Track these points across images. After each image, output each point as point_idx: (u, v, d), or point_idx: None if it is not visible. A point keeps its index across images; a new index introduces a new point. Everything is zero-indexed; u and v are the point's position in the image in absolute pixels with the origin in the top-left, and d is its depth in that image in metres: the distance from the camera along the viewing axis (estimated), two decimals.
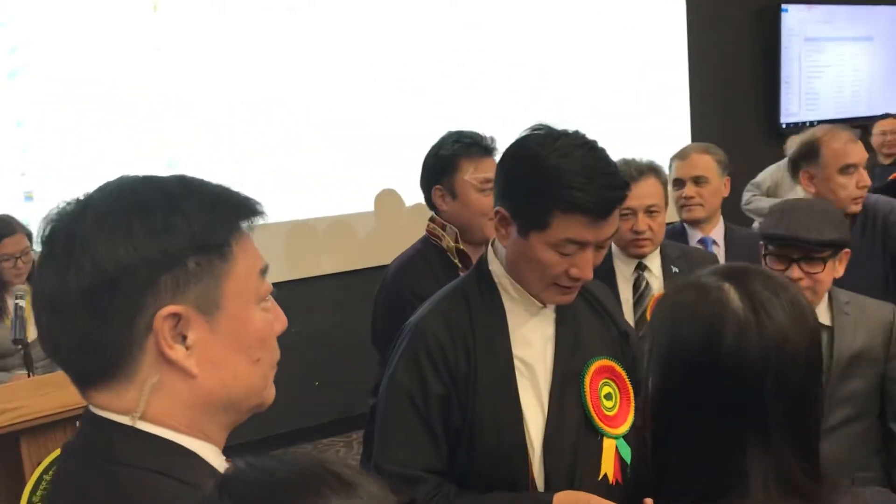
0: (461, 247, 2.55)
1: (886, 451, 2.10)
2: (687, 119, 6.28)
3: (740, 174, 5.42)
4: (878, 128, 5.76)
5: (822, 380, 1.11)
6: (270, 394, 1.02)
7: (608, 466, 1.67)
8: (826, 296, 2.11)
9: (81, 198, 0.93)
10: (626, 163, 2.50)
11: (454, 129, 2.67)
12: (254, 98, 4.65)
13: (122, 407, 0.90)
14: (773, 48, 6.81)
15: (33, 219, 3.69)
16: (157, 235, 0.89)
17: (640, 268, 2.51)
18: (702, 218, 2.90)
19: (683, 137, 6.12)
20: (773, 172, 5.46)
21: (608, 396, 1.70)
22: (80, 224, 0.89)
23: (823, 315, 2.08)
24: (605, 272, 2.52)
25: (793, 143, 3.49)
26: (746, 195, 5.40)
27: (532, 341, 1.68)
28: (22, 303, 2.58)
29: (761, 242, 2.13)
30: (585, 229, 1.54)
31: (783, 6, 6.76)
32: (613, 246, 2.57)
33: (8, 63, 4.07)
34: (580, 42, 5.75)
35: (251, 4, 4.64)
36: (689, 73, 6.30)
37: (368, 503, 0.66)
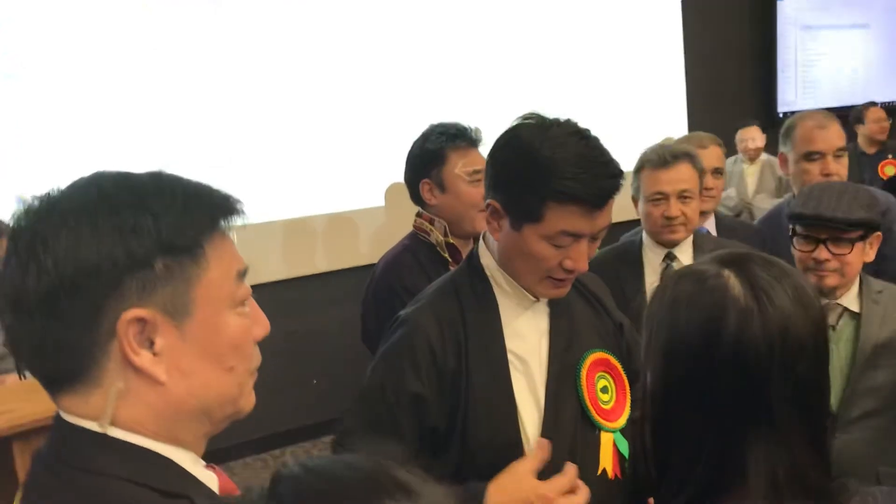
0: (451, 241, 2.51)
1: None
2: (683, 108, 6.25)
3: None
4: (873, 115, 5.78)
5: (828, 369, 1.07)
6: (248, 402, 0.98)
7: (607, 461, 1.65)
8: (857, 282, 2.05)
9: (52, 194, 0.89)
10: (662, 147, 2.48)
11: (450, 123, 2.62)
12: (248, 96, 4.62)
13: (89, 412, 0.87)
14: (769, 36, 6.79)
15: None
16: (122, 236, 0.85)
17: (670, 257, 2.46)
18: (710, 210, 2.87)
19: (680, 126, 6.10)
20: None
21: (604, 390, 1.67)
22: (45, 222, 0.86)
23: (853, 302, 2.04)
24: (633, 261, 2.49)
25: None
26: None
27: (526, 335, 1.65)
28: None
29: (789, 224, 2.09)
30: (580, 220, 1.51)
31: None
32: (644, 235, 2.53)
33: (1, 65, 4.06)
34: (575, 32, 5.72)
35: (244, 2, 4.61)
36: (685, 62, 6.27)
37: None
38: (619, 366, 1.70)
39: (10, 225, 0.89)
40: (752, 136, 5.89)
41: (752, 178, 5.82)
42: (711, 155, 2.88)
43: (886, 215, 2.63)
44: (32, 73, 4.11)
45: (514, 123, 1.60)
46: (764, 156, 5.82)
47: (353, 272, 4.82)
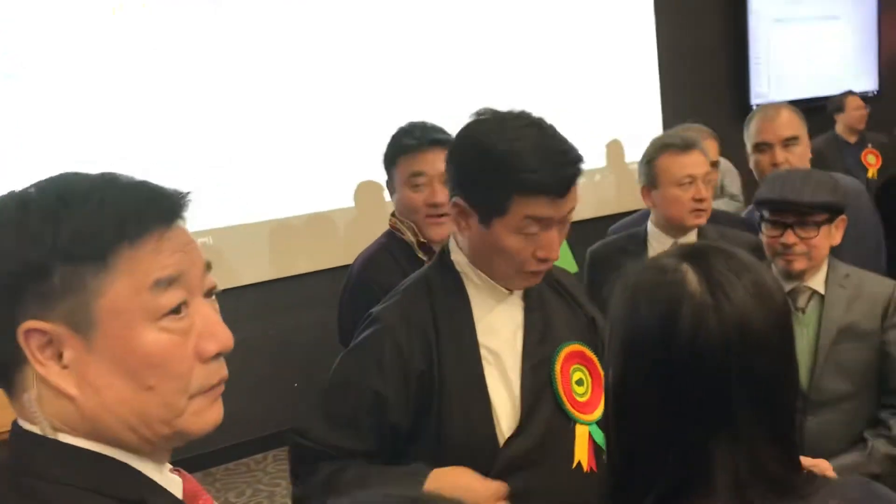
0: (423, 240, 2.48)
1: (872, 425, 2.07)
2: (657, 101, 6.28)
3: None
4: (853, 104, 5.82)
5: (795, 363, 1.05)
6: (193, 424, 0.89)
7: (582, 454, 1.65)
8: (826, 265, 2.10)
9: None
10: (675, 134, 2.52)
11: (431, 122, 2.57)
12: (228, 97, 4.61)
13: (30, 418, 0.85)
14: (740, 29, 6.83)
15: None
16: (22, 243, 0.81)
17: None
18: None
19: (654, 120, 6.14)
20: None
21: (580, 382, 1.67)
22: None
23: (820, 285, 2.08)
24: (638, 252, 2.48)
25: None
26: None
27: (499, 329, 1.65)
28: None
29: (757, 213, 2.13)
30: (547, 208, 1.52)
31: None
32: (650, 224, 2.53)
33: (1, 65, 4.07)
34: (548, 28, 5.73)
35: (225, 4, 4.60)
36: (658, 55, 6.31)
37: None
38: (594, 358, 1.70)
39: None
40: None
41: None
42: (708, 148, 2.92)
43: (857, 199, 2.67)
44: (32, 73, 4.12)
45: (469, 121, 1.60)
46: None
47: (332, 273, 4.80)
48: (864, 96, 6.67)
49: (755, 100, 6.78)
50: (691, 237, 2.45)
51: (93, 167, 0.93)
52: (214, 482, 4.56)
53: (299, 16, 4.83)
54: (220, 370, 0.91)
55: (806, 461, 1.06)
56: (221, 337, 0.89)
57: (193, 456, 4.24)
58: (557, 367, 1.64)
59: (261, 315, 4.79)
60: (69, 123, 4.18)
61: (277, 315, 4.91)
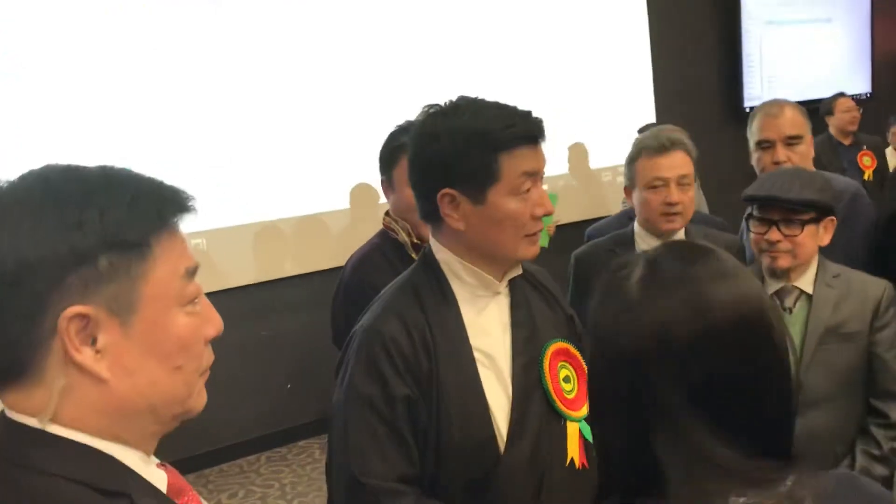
0: (416, 241, 2.48)
1: (860, 433, 2.06)
2: (651, 103, 6.29)
3: (704, 157, 5.47)
4: (842, 106, 5.84)
5: (752, 363, 0.96)
6: (198, 402, 0.96)
7: (574, 451, 1.65)
8: (815, 265, 2.10)
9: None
10: (657, 134, 2.43)
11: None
12: (218, 99, 4.60)
13: (32, 409, 0.85)
14: (733, 31, 6.85)
15: None
16: (66, 231, 0.83)
17: None
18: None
19: (647, 121, 6.13)
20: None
21: (566, 379, 1.68)
22: None
23: (808, 285, 2.08)
24: (626, 253, 2.45)
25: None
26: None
27: (490, 330, 1.65)
28: None
29: (747, 209, 2.13)
30: (532, 158, 1.57)
31: None
32: (636, 224, 2.49)
33: (1, 64, 4.07)
34: (542, 30, 5.73)
35: (224, 5, 4.60)
36: (651, 58, 6.32)
37: None
38: (578, 354, 1.71)
39: None
40: None
41: None
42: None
43: (851, 200, 2.65)
44: (32, 72, 4.12)
45: (421, 119, 1.63)
46: None
47: (323, 274, 4.80)
48: (857, 98, 6.70)
49: (748, 102, 6.80)
50: (679, 237, 2.41)
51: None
52: (207, 483, 4.55)
53: (289, 17, 4.83)
54: (212, 353, 0.98)
55: None
56: (217, 323, 0.97)
57: (186, 458, 4.23)
58: (546, 365, 1.64)
59: (253, 317, 4.79)
60: (69, 123, 4.18)
61: (269, 317, 4.90)
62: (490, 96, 1.64)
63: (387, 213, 2.58)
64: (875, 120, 6.82)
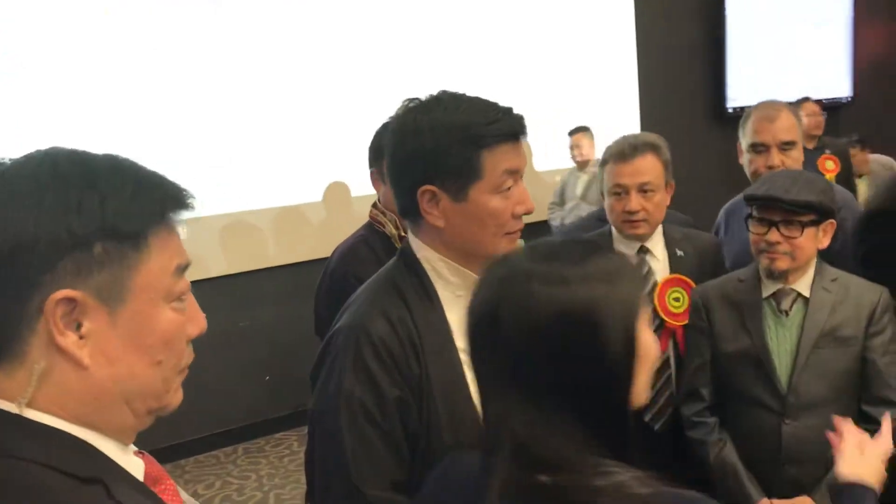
0: (403, 234, 2.46)
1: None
2: (636, 105, 6.31)
3: (688, 158, 5.49)
4: (807, 110, 5.87)
5: (575, 370, 1.06)
6: (173, 399, 0.96)
7: None
8: (812, 269, 2.09)
9: (2, 162, 0.88)
10: (625, 139, 2.40)
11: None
12: (201, 91, 4.59)
13: (11, 390, 0.85)
14: (718, 33, 6.88)
15: None
16: (65, 213, 0.83)
17: (643, 251, 2.37)
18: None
19: (632, 124, 6.16)
20: (564, 176, 5.78)
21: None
22: None
23: (805, 288, 2.08)
24: None
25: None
26: (552, 215, 5.71)
27: None
28: None
29: (747, 209, 2.12)
30: (514, 155, 1.54)
31: None
32: (612, 228, 2.48)
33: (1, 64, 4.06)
34: (528, 29, 5.74)
35: (224, 5, 4.58)
36: (636, 59, 6.34)
37: None
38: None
39: None
40: (578, 144, 5.68)
41: (581, 186, 5.64)
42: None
43: (841, 211, 2.63)
44: (32, 72, 4.13)
45: (401, 114, 1.58)
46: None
47: (303, 266, 4.79)
48: (839, 102, 6.76)
49: (731, 103, 6.83)
50: (657, 240, 2.40)
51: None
52: (184, 474, 4.53)
53: (272, 10, 4.81)
54: (192, 353, 0.98)
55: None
56: (201, 323, 0.97)
57: (163, 447, 4.21)
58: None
59: (233, 307, 4.76)
60: (68, 122, 4.17)
61: (249, 308, 4.88)
62: (470, 94, 1.61)
63: (374, 206, 2.56)
64: (856, 123, 6.88)
